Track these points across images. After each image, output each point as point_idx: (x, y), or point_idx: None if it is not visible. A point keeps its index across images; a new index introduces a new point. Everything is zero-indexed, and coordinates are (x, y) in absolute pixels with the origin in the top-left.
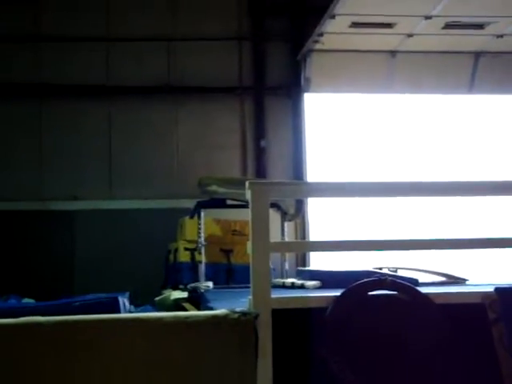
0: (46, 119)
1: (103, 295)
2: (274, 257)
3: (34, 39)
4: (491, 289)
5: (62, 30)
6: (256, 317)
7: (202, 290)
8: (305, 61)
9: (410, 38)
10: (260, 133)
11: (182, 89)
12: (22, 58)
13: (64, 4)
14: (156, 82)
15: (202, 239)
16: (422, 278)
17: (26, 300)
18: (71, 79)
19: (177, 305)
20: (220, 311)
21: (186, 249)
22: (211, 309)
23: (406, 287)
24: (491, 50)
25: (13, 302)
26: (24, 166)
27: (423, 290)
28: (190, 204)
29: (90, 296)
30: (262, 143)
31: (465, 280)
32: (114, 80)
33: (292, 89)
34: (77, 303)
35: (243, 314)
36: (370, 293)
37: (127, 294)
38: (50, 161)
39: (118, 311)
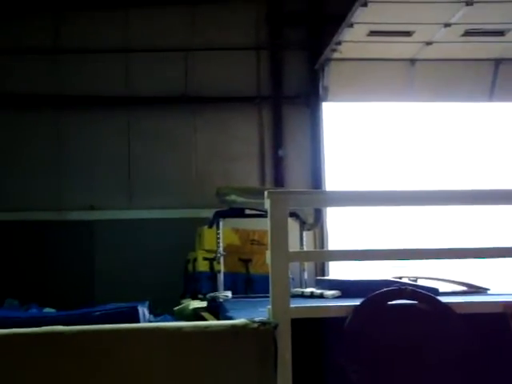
0: (64, 129)
1: (123, 305)
2: (293, 266)
3: (54, 51)
4: None
5: (80, 41)
6: (275, 326)
7: (221, 300)
8: (323, 70)
9: (429, 46)
10: (278, 142)
11: (199, 98)
12: (42, 69)
13: (84, 16)
14: (174, 91)
15: (221, 249)
16: (443, 287)
17: (47, 309)
18: (90, 89)
19: (196, 314)
20: (239, 321)
21: (205, 258)
22: (230, 318)
23: (426, 297)
24: None
25: (34, 311)
26: (42, 176)
27: (444, 299)
28: (208, 213)
29: (110, 306)
30: (280, 152)
31: (486, 289)
32: (132, 90)
33: (310, 98)
34: (97, 313)
35: (262, 323)
36: (390, 302)
37: (146, 303)
38: (68, 171)
39: (138, 321)
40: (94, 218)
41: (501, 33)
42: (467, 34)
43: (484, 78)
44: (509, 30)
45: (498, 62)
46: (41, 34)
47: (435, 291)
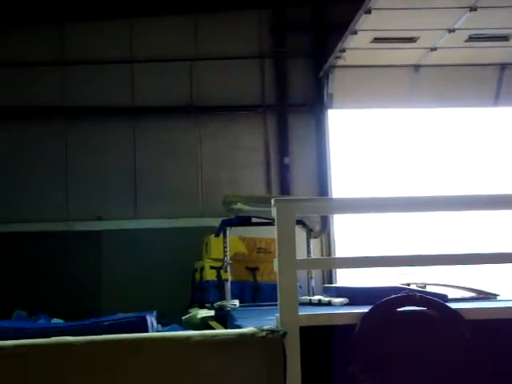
0: (71, 141)
1: (131, 314)
2: (300, 274)
3: (60, 63)
4: None
5: (86, 53)
6: (284, 334)
7: (229, 309)
8: (327, 77)
9: (434, 52)
10: (284, 150)
11: (204, 108)
12: (48, 81)
13: (88, 28)
14: (179, 101)
15: (228, 257)
16: (452, 293)
17: (56, 320)
18: (96, 101)
19: (204, 323)
20: (247, 329)
21: (212, 267)
22: (238, 327)
23: (435, 303)
24: None
25: (42, 322)
26: (50, 187)
27: (453, 305)
28: (215, 222)
29: (119, 315)
30: (286, 160)
31: (496, 295)
32: (138, 101)
33: (315, 105)
34: (106, 323)
35: (271, 331)
36: (399, 309)
37: (154, 313)
38: (76, 182)
39: (146, 330)
40: (102, 229)
41: (505, 38)
42: (471, 39)
43: (489, 83)
44: None
45: (502, 66)
46: (46, 46)
47: (444, 297)
